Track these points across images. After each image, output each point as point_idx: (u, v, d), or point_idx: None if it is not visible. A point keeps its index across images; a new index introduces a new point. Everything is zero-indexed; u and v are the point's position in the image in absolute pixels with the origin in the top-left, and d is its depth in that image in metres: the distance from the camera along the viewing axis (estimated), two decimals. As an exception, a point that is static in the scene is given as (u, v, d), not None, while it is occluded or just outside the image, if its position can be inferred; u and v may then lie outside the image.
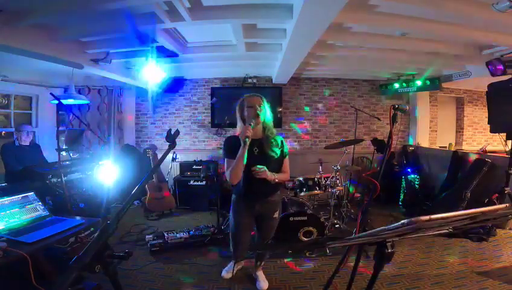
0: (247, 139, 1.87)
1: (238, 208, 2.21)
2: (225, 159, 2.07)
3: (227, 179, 2.01)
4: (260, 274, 2.51)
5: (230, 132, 5.34)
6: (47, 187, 3.14)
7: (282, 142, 2.16)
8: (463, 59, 3.97)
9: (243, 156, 1.91)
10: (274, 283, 2.55)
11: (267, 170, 1.99)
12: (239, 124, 2.11)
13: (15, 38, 2.64)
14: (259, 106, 2.02)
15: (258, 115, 1.98)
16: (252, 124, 1.94)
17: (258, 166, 1.96)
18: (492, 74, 3.38)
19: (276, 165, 2.11)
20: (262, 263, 2.56)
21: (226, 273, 2.60)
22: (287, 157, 2.19)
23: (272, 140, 2.09)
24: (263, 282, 2.45)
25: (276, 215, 2.24)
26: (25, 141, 3.63)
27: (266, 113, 2.07)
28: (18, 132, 3.62)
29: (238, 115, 2.11)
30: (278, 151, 2.10)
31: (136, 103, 5.69)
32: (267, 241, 2.36)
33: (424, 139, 5.63)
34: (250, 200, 2.13)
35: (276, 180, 2.06)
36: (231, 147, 2.02)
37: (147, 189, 4.43)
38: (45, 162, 3.78)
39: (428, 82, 4.98)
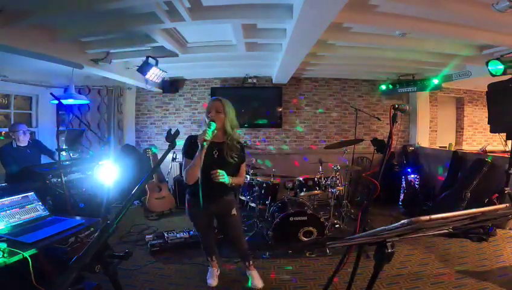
0: (204, 143, 1.89)
1: (193, 208, 2.24)
2: (183, 158, 2.15)
3: (184, 179, 2.10)
4: (254, 273, 2.51)
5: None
6: (47, 187, 3.13)
7: (242, 147, 2.24)
8: (463, 59, 3.96)
9: (200, 159, 1.91)
10: (274, 283, 2.54)
11: (225, 175, 2.03)
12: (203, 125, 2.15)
13: (15, 38, 2.64)
14: (217, 112, 2.06)
15: (213, 120, 2.01)
16: (209, 128, 1.93)
17: (220, 171, 2.00)
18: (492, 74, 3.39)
19: (234, 170, 2.18)
20: (251, 262, 2.53)
21: (212, 280, 2.51)
22: (244, 163, 2.28)
23: (232, 145, 2.14)
24: (257, 281, 2.46)
25: (234, 212, 2.31)
26: (23, 141, 3.55)
27: (228, 118, 2.09)
28: (13, 133, 3.51)
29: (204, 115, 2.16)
30: (236, 157, 2.15)
31: (136, 103, 5.70)
32: (238, 240, 2.40)
33: (424, 139, 5.63)
34: (204, 200, 2.07)
35: (233, 184, 2.15)
36: (188, 147, 2.10)
37: (147, 189, 4.43)
38: (53, 152, 3.76)
39: (428, 82, 4.97)
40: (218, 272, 2.60)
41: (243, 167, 2.28)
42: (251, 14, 2.62)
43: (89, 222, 2.13)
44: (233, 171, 2.17)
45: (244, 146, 2.29)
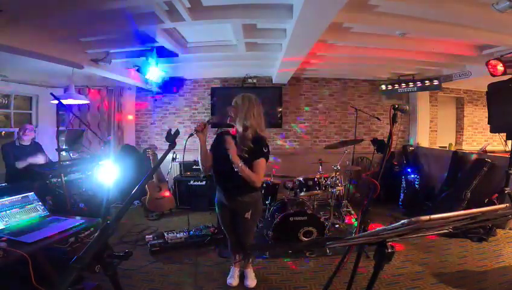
0: (195, 132, 2.07)
1: (216, 202, 2.38)
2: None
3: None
4: (249, 271, 2.52)
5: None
6: (47, 187, 3.14)
7: (259, 142, 2.10)
8: (463, 59, 3.96)
9: (201, 146, 2.15)
10: (274, 283, 2.55)
11: (235, 149, 2.05)
12: None
13: (15, 38, 2.64)
14: (232, 106, 2.18)
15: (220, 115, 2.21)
16: (210, 120, 2.19)
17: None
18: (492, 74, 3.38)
19: (247, 164, 2.06)
20: (250, 261, 2.56)
21: (232, 279, 2.51)
22: (262, 159, 2.10)
23: (245, 139, 2.10)
24: (251, 280, 2.48)
25: (247, 215, 2.21)
26: (25, 140, 3.62)
27: (240, 111, 2.11)
28: (20, 130, 3.65)
29: None
30: (246, 151, 2.06)
31: (136, 103, 5.69)
32: (242, 239, 2.34)
33: (424, 139, 5.63)
34: (221, 194, 2.29)
35: (239, 168, 2.00)
36: (213, 142, 2.32)
37: (147, 189, 4.43)
38: (49, 161, 3.79)
39: (428, 82, 4.97)
40: (239, 272, 2.57)
41: (259, 164, 2.07)
42: (251, 14, 2.62)
43: (89, 222, 2.13)
44: (247, 166, 2.05)
45: (263, 142, 2.11)
